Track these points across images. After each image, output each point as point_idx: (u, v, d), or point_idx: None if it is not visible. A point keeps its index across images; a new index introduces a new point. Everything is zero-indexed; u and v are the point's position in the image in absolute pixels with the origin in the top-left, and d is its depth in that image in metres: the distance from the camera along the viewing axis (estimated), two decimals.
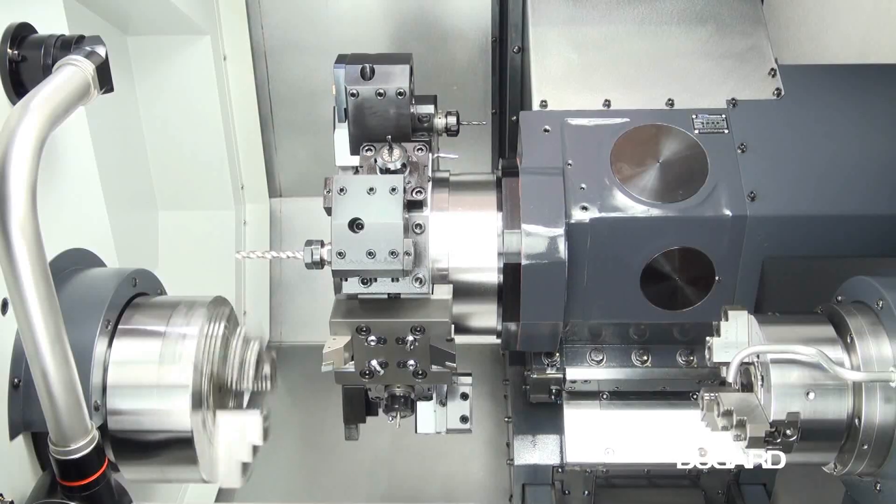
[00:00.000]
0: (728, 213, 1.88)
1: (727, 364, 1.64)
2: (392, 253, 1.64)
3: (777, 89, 2.05)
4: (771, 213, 1.88)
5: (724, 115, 2.00)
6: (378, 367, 1.69)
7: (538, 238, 1.83)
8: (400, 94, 1.80)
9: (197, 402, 1.53)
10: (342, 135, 1.88)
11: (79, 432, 1.34)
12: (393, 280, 1.71)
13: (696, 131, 1.97)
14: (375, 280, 1.72)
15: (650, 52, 2.15)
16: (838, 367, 1.53)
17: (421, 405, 1.88)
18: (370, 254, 1.64)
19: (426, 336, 1.67)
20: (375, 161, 1.77)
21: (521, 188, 1.89)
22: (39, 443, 1.53)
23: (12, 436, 1.47)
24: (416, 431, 1.91)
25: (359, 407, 1.87)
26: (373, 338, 1.67)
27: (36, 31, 1.59)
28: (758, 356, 1.64)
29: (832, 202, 1.90)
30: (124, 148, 2.98)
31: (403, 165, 1.75)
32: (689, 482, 2.41)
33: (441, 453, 3.00)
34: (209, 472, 1.61)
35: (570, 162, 1.94)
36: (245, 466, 1.61)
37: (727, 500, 2.42)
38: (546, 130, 2.00)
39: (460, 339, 1.80)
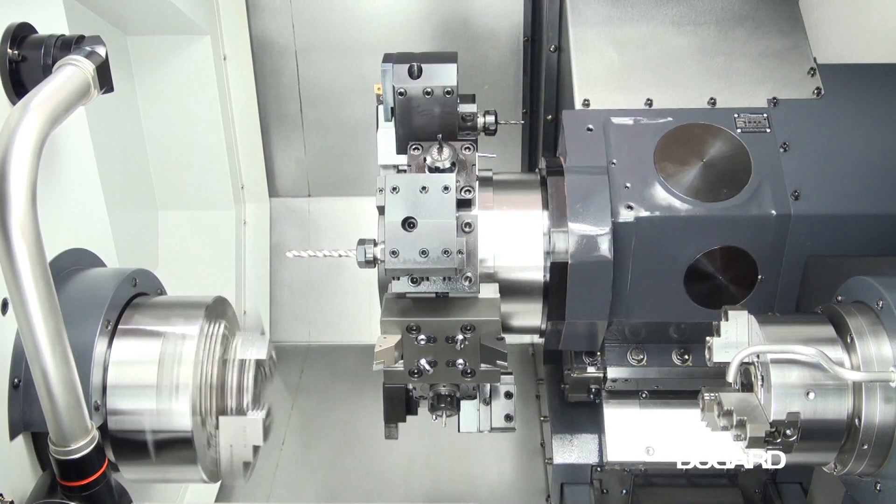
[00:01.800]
0: (773, 212, 1.90)
1: (727, 364, 1.64)
2: (445, 252, 1.64)
3: (817, 88, 2.08)
4: (815, 211, 1.90)
5: (765, 115, 2.02)
6: (427, 366, 1.68)
7: (585, 237, 1.86)
8: (448, 92, 1.80)
9: (197, 402, 1.53)
10: (386, 134, 1.90)
11: (79, 432, 1.34)
12: (445, 279, 1.73)
13: (739, 130, 1.99)
14: (426, 279, 1.73)
15: (690, 51, 2.18)
16: (838, 367, 1.53)
17: (465, 404, 1.87)
18: (423, 253, 1.64)
19: (476, 335, 1.68)
20: (424, 160, 1.78)
21: (567, 187, 1.91)
22: (39, 443, 1.53)
23: (12, 436, 1.47)
24: (458, 430, 1.90)
25: (399, 406, 1.85)
26: (423, 337, 1.68)
27: (36, 31, 1.59)
28: (758, 356, 1.64)
29: (876, 201, 1.92)
30: (124, 148, 2.98)
31: (453, 164, 1.77)
32: (727, 481, 2.39)
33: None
34: (209, 472, 1.61)
35: (614, 161, 1.96)
36: (247, 465, 1.61)
37: (764, 498, 2.41)
38: (589, 129, 2.02)
39: None
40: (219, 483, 2.76)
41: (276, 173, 3.54)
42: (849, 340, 1.61)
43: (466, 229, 1.75)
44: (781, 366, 1.58)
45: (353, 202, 3.57)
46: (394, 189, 1.68)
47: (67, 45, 1.54)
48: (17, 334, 1.46)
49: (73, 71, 1.43)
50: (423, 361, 1.68)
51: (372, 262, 1.72)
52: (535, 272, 1.89)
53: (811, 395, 1.56)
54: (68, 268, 1.67)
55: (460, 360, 1.69)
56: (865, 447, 1.57)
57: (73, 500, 1.38)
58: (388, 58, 1.84)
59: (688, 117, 2.02)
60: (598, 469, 2.35)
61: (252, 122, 3.35)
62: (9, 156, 1.22)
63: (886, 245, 1.93)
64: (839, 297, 1.74)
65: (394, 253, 1.65)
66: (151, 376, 1.53)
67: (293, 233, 3.58)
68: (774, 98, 2.06)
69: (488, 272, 1.88)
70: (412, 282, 1.73)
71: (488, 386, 1.86)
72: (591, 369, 2.16)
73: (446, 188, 1.68)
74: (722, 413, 1.61)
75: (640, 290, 1.95)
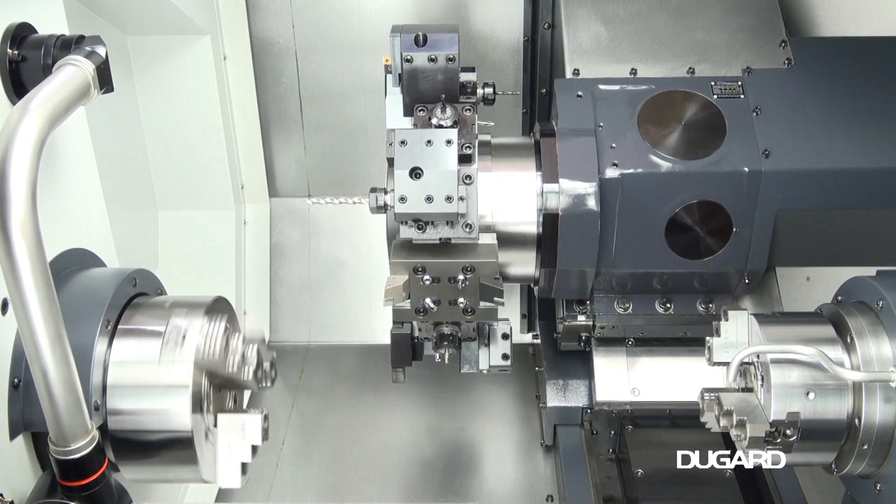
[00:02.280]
0: (745, 168, 2.07)
1: (727, 364, 1.65)
2: (448, 198, 1.85)
3: (787, 59, 2.26)
4: (783, 167, 2.07)
5: (739, 82, 2.21)
6: (432, 304, 1.87)
7: (574, 191, 2.06)
8: (450, 59, 2.00)
9: (197, 402, 1.53)
10: (393, 100, 2.10)
11: (79, 432, 1.34)
12: (448, 224, 1.91)
13: (715, 96, 2.18)
14: (432, 225, 1.92)
15: (671, 25, 2.36)
16: (838, 367, 1.53)
17: (465, 344, 2.02)
18: (428, 199, 1.85)
19: (475, 275, 1.86)
20: (429, 119, 1.98)
21: (558, 147, 2.11)
22: (39, 443, 1.52)
23: (12, 436, 1.47)
24: (459, 370, 2.06)
25: (405, 351, 2.00)
26: (428, 277, 1.86)
27: (36, 31, 1.59)
28: (758, 356, 1.64)
29: (839, 157, 2.08)
30: (124, 148, 2.98)
31: (455, 123, 1.95)
32: None
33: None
34: (209, 472, 1.61)
35: (601, 124, 2.15)
36: (244, 466, 1.61)
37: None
38: (579, 96, 2.21)
39: None
40: (218, 484, 2.76)
41: (276, 173, 3.54)
42: (849, 340, 1.61)
43: (467, 181, 1.94)
44: (781, 366, 1.58)
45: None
46: (402, 143, 1.89)
47: (67, 45, 1.54)
48: (17, 334, 1.46)
49: (73, 71, 1.43)
50: (427, 300, 1.87)
51: (383, 208, 1.93)
52: (530, 225, 2.09)
53: (811, 395, 1.56)
54: (68, 268, 1.66)
55: (461, 299, 1.88)
56: (865, 447, 1.57)
57: (73, 500, 1.38)
58: (395, 29, 2.03)
59: (669, 85, 2.21)
60: (588, 411, 2.55)
61: (252, 122, 3.34)
62: (9, 156, 1.22)
63: (849, 198, 2.10)
64: (839, 298, 1.74)
65: (402, 199, 1.85)
66: (151, 376, 1.53)
67: (293, 233, 3.58)
68: (748, 67, 2.24)
69: (487, 226, 2.08)
70: (418, 228, 1.92)
71: (487, 329, 2.01)
72: (581, 318, 2.35)
73: (449, 142, 1.89)
74: (722, 413, 1.61)
75: (625, 242, 2.13)
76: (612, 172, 2.07)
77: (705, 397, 1.66)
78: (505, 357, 2.03)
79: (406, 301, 1.88)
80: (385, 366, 3.34)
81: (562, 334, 2.40)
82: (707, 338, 1.74)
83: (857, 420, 1.56)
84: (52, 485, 1.46)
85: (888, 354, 1.55)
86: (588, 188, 2.05)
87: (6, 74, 1.52)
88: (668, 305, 2.31)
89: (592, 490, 2.41)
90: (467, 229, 1.92)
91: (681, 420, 2.44)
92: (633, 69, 2.27)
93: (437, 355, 2.00)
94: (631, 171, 2.07)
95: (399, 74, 2.03)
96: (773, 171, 2.06)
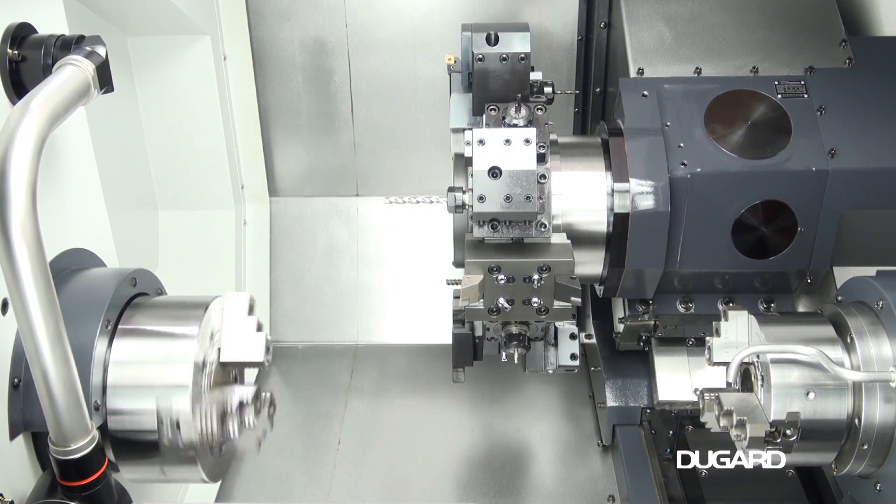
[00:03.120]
0: (812, 167, 2.08)
1: (727, 364, 1.65)
2: (528, 198, 1.84)
3: (849, 58, 2.28)
4: (850, 166, 2.07)
5: (802, 82, 2.23)
6: (505, 304, 1.86)
7: (645, 190, 2.07)
8: (521, 59, 2.03)
9: (197, 402, 1.53)
10: (457, 100, 2.13)
11: (79, 432, 1.34)
12: (525, 223, 1.89)
13: (780, 96, 2.20)
14: (506, 225, 1.89)
15: (733, 25, 2.38)
16: (838, 367, 1.53)
17: (535, 344, 2.05)
18: (507, 198, 1.84)
19: (551, 275, 1.84)
20: (503, 118, 1.97)
21: (627, 146, 2.12)
22: (39, 443, 1.52)
23: (12, 436, 1.47)
24: (524, 370, 2.11)
25: (467, 351, 2.03)
26: (502, 277, 1.83)
27: (36, 31, 1.59)
28: (758, 356, 1.64)
29: None
30: (124, 148, 2.98)
31: (529, 122, 1.93)
32: None
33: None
34: (209, 472, 1.61)
35: (668, 123, 2.17)
36: (258, 440, 1.63)
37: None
38: (644, 95, 2.22)
39: None
40: (219, 483, 2.76)
41: (276, 173, 3.54)
42: (849, 340, 1.61)
43: (542, 180, 1.92)
44: (781, 366, 1.58)
45: (353, 202, 3.57)
46: (480, 142, 1.87)
47: (67, 45, 1.54)
48: (17, 334, 1.46)
49: (73, 71, 1.43)
50: (501, 300, 1.85)
51: (461, 208, 1.90)
52: (599, 225, 2.11)
53: (811, 395, 1.56)
54: (68, 268, 1.66)
55: (535, 299, 1.85)
56: (865, 447, 1.57)
57: (73, 500, 1.38)
58: (466, 27, 2.06)
59: (733, 84, 2.23)
60: (648, 411, 2.56)
61: (252, 122, 3.34)
62: (9, 156, 1.22)
63: None
64: (839, 297, 1.74)
65: (481, 199, 1.83)
66: (151, 376, 1.53)
67: (294, 232, 3.57)
68: (810, 67, 2.26)
69: (556, 225, 2.07)
70: (492, 228, 1.89)
71: (554, 329, 2.05)
72: (643, 317, 2.34)
73: (527, 141, 1.87)
74: (722, 413, 1.61)
75: (692, 241, 2.13)
76: (681, 172, 2.08)
77: (705, 397, 1.66)
78: (573, 357, 2.05)
79: (479, 301, 1.87)
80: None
81: (622, 334, 2.40)
82: (707, 338, 1.74)
83: (857, 420, 1.56)
84: (52, 485, 1.46)
85: (888, 354, 1.55)
86: (658, 187, 2.06)
87: (6, 74, 1.52)
88: (731, 305, 2.27)
89: (657, 490, 2.41)
90: (542, 228, 1.90)
91: None
92: (697, 68, 2.29)
93: (505, 355, 2.01)
94: (699, 170, 2.08)
95: (469, 73, 2.06)
96: (839, 170, 2.06)
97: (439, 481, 2.90)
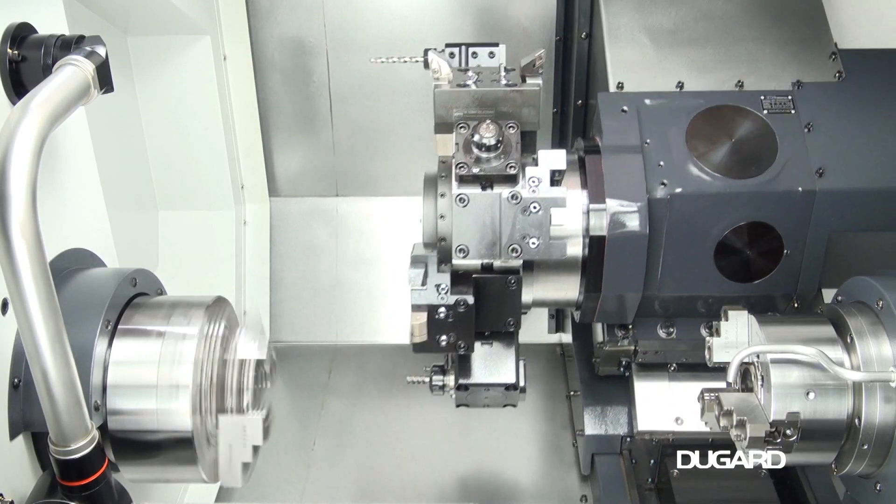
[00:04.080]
0: (798, 188, 1.98)
1: (727, 364, 1.64)
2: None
3: (839, 72, 2.17)
4: (838, 187, 1.98)
5: (790, 97, 2.12)
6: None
7: (622, 212, 1.96)
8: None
9: (197, 402, 1.53)
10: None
11: (79, 432, 1.34)
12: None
13: (765, 111, 2.09)
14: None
15: (718, 37, 2.27)
16: (838, 367, 1.53)
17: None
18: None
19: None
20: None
21: (604, 165, 2.01)
22: (39, 443, 1.52)
23: (12, 436, 1.47)
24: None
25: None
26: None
27: (36, 31, 1.59)
28: (758, 356, 1.64)
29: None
30: (124, 148, 2.98)
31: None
32: None
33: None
34: (209, 472, 1.61)
35: (647, 140, 2.06)
36: (246, 466, 1.61)
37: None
38: (624, 111, 2.12)
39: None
40: (219, 483, 2.76)
41: (276, 173, 3.54)
42: (849, 340, 1.61)
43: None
44: (781, 366, 1.58)
45: (353, 202, 3.57)
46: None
47: (67, 45, 1.54)
48: (17, 334, 1.46)
49: (73, 71, 1.43)
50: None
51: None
52: (574, 247, 1.98)
53: (811, 395, 1.56)
54: (68, 268, 1.66)
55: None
56: (865, 447, 1.57)
57: (73, 500, 1.38)
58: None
59: (717, 99, 2.13)
60: (628, 439, 2.46)
61: (252, 122, 3.34)
62: (9, 156, 1.22)
63: None
64: (839, 297, 1.74)
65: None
66: (151, 376, 1.53)
67: (294, 233, 3.58)
68: (798, 81, 2.15)
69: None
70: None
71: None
72: (622, 342, 2.24)
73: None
74: (722, 413, 1.61)
75: (672, 264, 2.04)
76: (660, 192, 1.97)
77: (705, 397, 1.66)
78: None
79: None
80: (391, 366, 3.30)
81: (601, 359, 2.30)
82: (707, 337, 1.74)
83: (857, 420, 1.56)
84: (52, 485, 1.46)
85: (888, 354, 1.55)
86: (636, 208, 1.95)
87: (6, 74, 1.52)
88: (713, 330, 2.20)
89: None
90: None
91: (724, 448, 2.33)
92: (679, 82, 2.19)
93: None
94: (680, 190, 1.98)
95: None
96: (827, 190, 1.97)
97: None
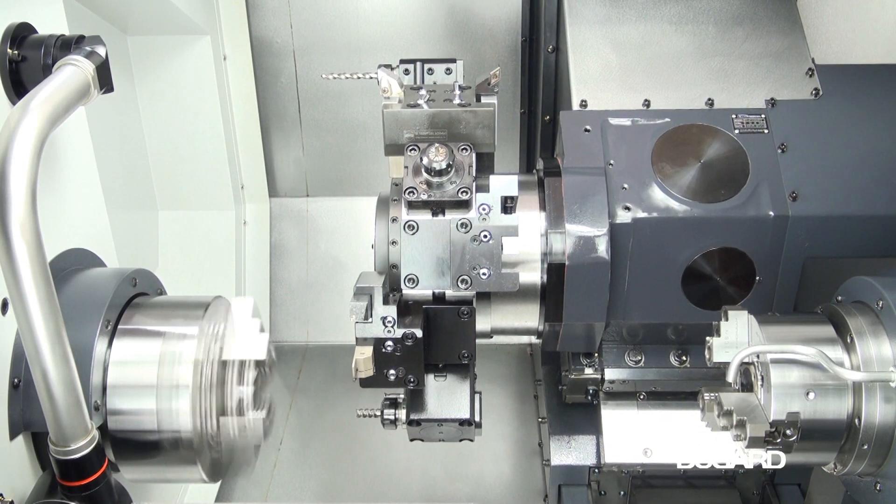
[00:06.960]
0: (770, 213, 1.89)
1: (727, 364, 1.64)
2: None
3: (815, 89, 2.07)
4: (813, 212, 1.89)
5: (763, 115, 2.02)
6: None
7: (582, 238, 1.85)
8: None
9: (197, 402, 1.53)
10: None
11: (79, 432, 1.34)
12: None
13: (737, 131, 1.99)
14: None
15: (688, 51, 2.17)
16: (838, 367, 1.53)
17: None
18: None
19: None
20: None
21: (564, 188, 1.90)
22: (39, 443, 1.52)
23: (12, 436, 1.47)
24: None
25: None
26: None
27: (36, 31, 1.59)
28: (758, 356, 1.64)
29: (874, 202, 1.90)
30: (124, 148, 2.98)
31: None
32: (725, 482, 2.39)
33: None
34: (209, 472, 1.61)
35: (611, 162, 1.96)
36: (257, 449, 1.62)
37: (762, 500, 2.40)
38: (587, 130, 2.02)
39: (487, 340, 1.83)
40: (219, 483, 2.76)
41: (276, 173, 3.54)
42: (849, 340, 1.61)
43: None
44: (781, 366, 1.58)
45: (353, 202, 3.57)
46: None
47: (67, 45, 1.54)
48: (17, 334, 1.46)
49: (73, 71, 1.43)
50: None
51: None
52: (533, 273, 1.88)
53: (811, 395, 1.56)
54: (68, 268, 1.66)
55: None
56: (865, 447, 1.57)
57: (73, 500, 1.38)
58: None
59: (686, 118, 2.02)
60: (596, 471, 2.35)
61: (252, 122, 3.35)
62: (9, 156, 1.22)
63: (884, 246, 1.92)
64: (839, 298, 1.74)
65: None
66: (151, 376, 1.53)
67: (293, 233, 3.58)
68: (772, 99, 2.06)
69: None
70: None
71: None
72: (588, 371, 2.16)
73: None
74: (722, 413, 1.61)
75: (638, 291, 1.94)
76: (623, 216, 1.87)
77: (705, 397, 1.66)
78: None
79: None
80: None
81: (567, 387, 2.22)
82: (707, 337, 1.74)
83: (857, 420, 1.56)
84: (52, 485, 1.46)
85: (888, 354, 1.55)
86: (597, 234, 1.84)
87: (6, 74, 1.52)
88: (684, 358, 2.11)
89: None
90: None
91: (696, 480, 2.32)
92: (646, 100, 2.08)
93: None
94: (645, 215, 1.88)
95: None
96: (801, 216, 1.88)
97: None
